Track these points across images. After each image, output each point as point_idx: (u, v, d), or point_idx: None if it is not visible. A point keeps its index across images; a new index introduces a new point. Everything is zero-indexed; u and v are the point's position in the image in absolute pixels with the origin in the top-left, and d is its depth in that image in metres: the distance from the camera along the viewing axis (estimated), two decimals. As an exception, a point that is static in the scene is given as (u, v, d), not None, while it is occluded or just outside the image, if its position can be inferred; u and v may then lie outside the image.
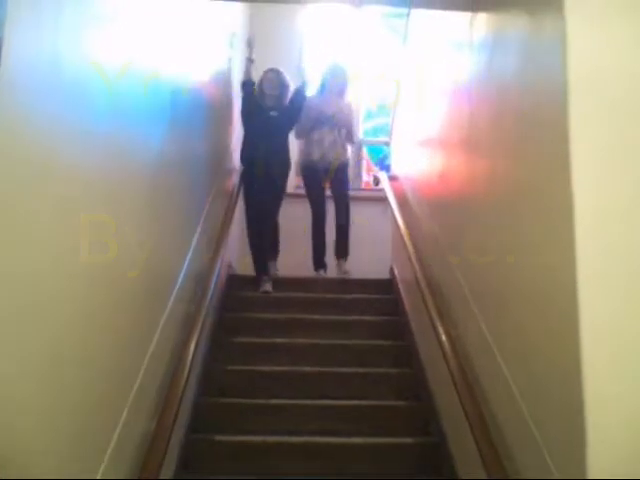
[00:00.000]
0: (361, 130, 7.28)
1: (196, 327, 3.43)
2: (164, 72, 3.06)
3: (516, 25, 2.62)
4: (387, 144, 6.65)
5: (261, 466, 3.40)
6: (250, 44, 5.74)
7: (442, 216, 3.96)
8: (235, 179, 5.63)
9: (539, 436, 2.15)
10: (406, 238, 4.58)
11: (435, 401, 3.79)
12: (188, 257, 3.62)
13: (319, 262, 5.68)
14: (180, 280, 3.36)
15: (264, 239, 5.41)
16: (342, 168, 5.84)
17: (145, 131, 2.74)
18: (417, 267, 4.15)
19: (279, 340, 4.44)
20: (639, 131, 1.90)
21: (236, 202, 5.35)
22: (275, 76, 5.62)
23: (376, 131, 7.48)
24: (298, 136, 5.88)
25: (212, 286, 3.98)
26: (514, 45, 2.63)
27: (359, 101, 7.22)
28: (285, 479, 3.32)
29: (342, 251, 5.71)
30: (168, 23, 3.15)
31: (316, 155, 5.73)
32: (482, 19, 3.17)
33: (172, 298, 3.16)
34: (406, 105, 5.87)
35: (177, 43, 3.35)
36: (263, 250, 5.39)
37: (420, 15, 5.46)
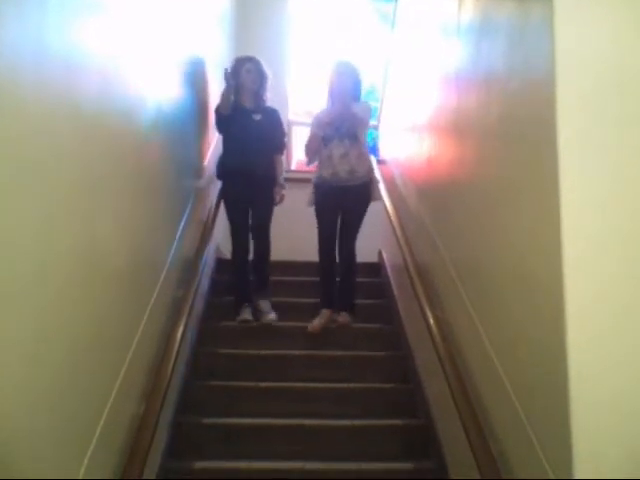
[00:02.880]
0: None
1: (184, 311, 3.44)
2: (153, 53, 3.05)
3: (504, 10, 2.62)
4: (375, 128, 6.64)
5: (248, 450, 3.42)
6: (227, 78, 4.48)
7: (430, 200, 3.97)
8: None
9: (524, 417, 2.17)
10: (394, 222, 4.59)
11: (422, 384, 3.82)
12: (176, 241, 3.62)
13: (327, 300, 4.66)
14: (168, 263, 3.36)
15: (247, 263, 4.70)
16: (361, 189, 4.66)
17: (131, 115, 2.73)
18: (405, 251, 4.16)
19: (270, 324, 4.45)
20: (626, 116, 1.90)
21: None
22: (255, 66, 4.73)
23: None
24: (308, 160, 4.84)
25: (200, 270, 3.99)
26: (502, 30, 2.63)
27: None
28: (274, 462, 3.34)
29: (346, 300, 4.68)
30: (153, 13, 3.14)
31: (326, 173, 4.64)
32: (470, 4, 3.16)
33: (160, 282, 3.16)
34: (394, 90, 5.88)
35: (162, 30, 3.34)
36: (246, 274, 4.69)
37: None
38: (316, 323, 4.46)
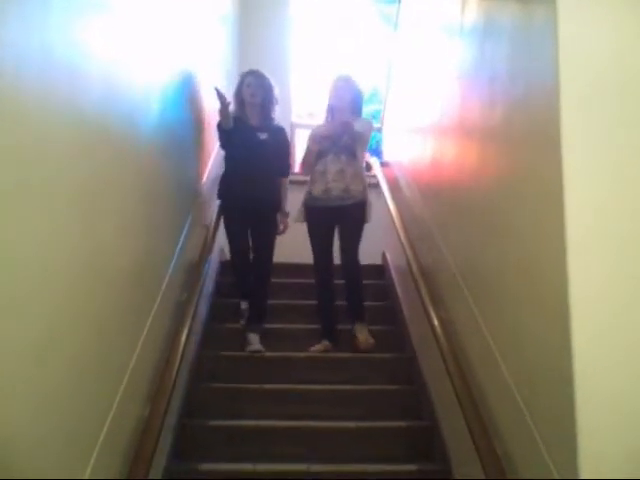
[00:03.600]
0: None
1: (189, 313, 3.44)
2: (155, 58, 3.05)
3: (507, 11, 2.62)
4: (379, 131, 6.65)
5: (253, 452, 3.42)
6: (220, 95, 4.18)
7: (434, 201, 3.97)
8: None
9: (529, 417, 2.17)
10: (398, 224, 4.59)
11: (427, 385, 3.82)
12: (179, 244, 3.62)
13: (327, 331, 4.40)
14: (172, 266, 3.36)
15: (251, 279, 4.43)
16: (355, 209, 4.39)
17: (134, 120, 2.74)
18: (409, 252, 4.16)
19: (272, 326, 4.44)
20: (630, 117, 1.91)
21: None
22: (255, 80, 4.42)
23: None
24: (303, 174, 4.67)
25: (204, 273, 3.99)
26: (505, 31, 2.64)
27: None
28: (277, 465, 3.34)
29: (357, 311, 4.40)
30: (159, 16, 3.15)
31: (317, 190, 4.41)
32: (473, 5, 3.17)
33: (164, 285, 3.17)
34: (397, 92, 5.88)
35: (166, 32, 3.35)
36: (256, 296, 4.43)
37: (411, 1, 5.46)
38: (315, 349, 4.27)
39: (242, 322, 4.41)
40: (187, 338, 3.25)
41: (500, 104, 2.66)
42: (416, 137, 4.73)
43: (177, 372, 2.99)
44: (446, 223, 3.58)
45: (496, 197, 2.65)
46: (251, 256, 4.46)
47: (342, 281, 4.46)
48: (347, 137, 4.36)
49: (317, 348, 4.26)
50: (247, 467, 3.27)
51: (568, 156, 1.88)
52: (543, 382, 2.07)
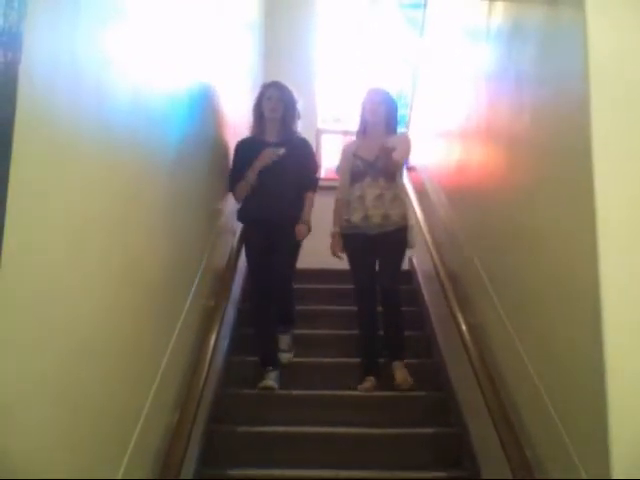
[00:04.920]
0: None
1: (217, 319, 3.46)
2: (181, 70, 3.07)
3: (535, 14, 2.60)
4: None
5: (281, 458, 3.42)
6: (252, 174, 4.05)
7: (461, 206, 3.96)
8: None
9: (560, 424, 2.15)
10: (425, 229, 4.57)
11: (455, 391, 3.79)
12: (207, 251, 3.63)
13: (368, 366, 4.05)
14: (200, 273, 3.37)
15: (271, 314, 4.06)
16: (396, 236, 4.07)
17: (165, 125, 2.75)
18: (436, 258, 4.14)
19: (300, 331, 4.43)
20: (660, 119, 1.89)
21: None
22: (276, 92, 4.13)
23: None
24: (337, 195, 4.24)
25: (232, 279, 4.00)
26: (533, 34, 2.62)
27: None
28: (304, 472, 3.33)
29: (396, 347, 4.07)
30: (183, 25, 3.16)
31: (356, 217, 4.08)
32: (500, 8, 3.15)
33: (192, 291, 3.18)
34: (424, 96, 5.87)
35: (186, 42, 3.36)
36: (269, 329, 4.06)
37: (437, 5, 5.45)
38: (363, 387, 3.91)
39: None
40: (215, 343, 3.26)
41: (528, 108, 2.64)
42: (442, 141, 4.72)
43: (206, 378, 3.00)
44: (473, 227, 3.57)
45: (524, 202, 2.63)
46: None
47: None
48: (384, 158, 4.02)
49: (365, 387, 3.90)
50: (276, 472, 3.27)
51: (599, 160, 1.86)
52: (574, 387, 2.05)
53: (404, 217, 4.09)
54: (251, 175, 4.04)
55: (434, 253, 4.22)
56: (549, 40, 2.39)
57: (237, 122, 4.53)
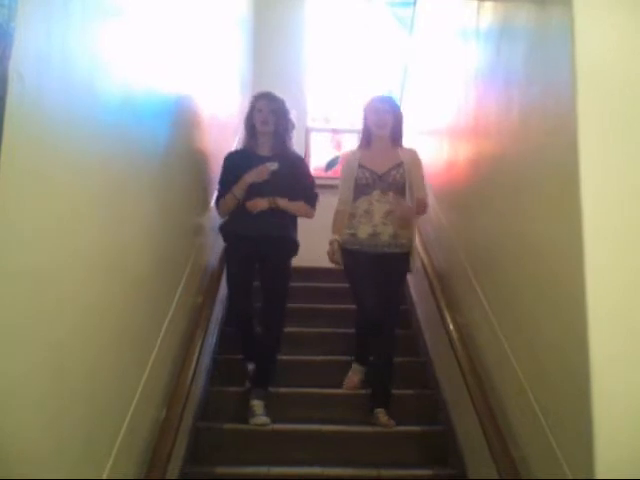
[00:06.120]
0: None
1: (204, 317, 3.46)
2: (172, 70, 3.06)
3: (523, 13, 2.62)
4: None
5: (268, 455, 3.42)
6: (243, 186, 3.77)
7: (449, 204, 3.97)
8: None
9: (545, 420, 2.17)
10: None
11: (442, 389, 3.80)
12: (196, 248, 3.63)
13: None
14: (188, 270, 3.37)
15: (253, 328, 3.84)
16: (401, 260, 3.78)
17: (154, 125, 2.75)
18: (424, 255, 4.15)
19: (288, 330, 4.42)
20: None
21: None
22: (267, 104, 3.85)
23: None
24: (341, 207, 3.85)
25: (220, 275, 4.00)
26: (521, 34, 2.63)
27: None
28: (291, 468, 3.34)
29: (383, 393, 3.73)
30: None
31: (363, 234, 3.74)
32: (489, 8, 3.16)
33: (180, 288, 3.18)
34: (413, 94, 5.88)
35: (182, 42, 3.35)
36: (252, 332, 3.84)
37: (426, 3, 5.46)
38: (350, 382, 3.84)
39: (247, 384, 3.84)
40: (203, 340, 3.26)
41: (516, 106, 2.65)
42: (431, 140, 4.72)
43: (193, 375, 3.00)
44: (461, 226, 3.58)
45: (512, 199, 2.64)
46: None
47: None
48: (399, 173, 3.76)
49: (352, 381, 3.86)
50: (262, 470, 3.27)
51: (585, 158, 1.88)
52: (559, 386, 2.06)
53: (412, 240, 3.81)
54: (239, 189, 3.77)
55: (422, 252, 4.23)
56: (537, 39, 2.41)
57: (225, 122, 4.52)
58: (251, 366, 3.84)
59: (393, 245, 3.72)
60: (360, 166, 3.79)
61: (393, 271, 3.77)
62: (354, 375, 3.92)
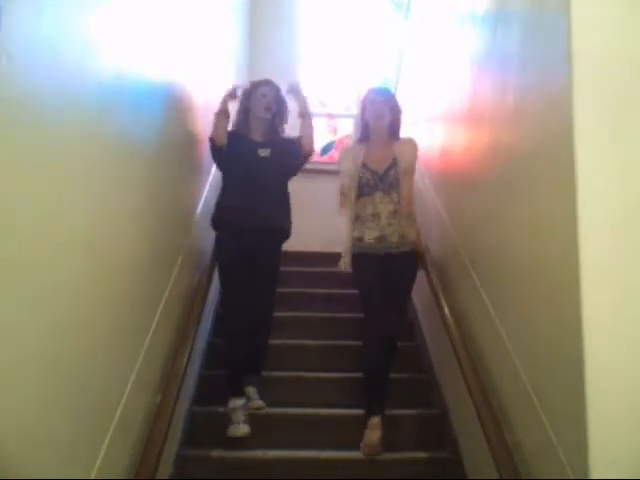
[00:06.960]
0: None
1: (199, 301, 3.46)
2: (164, 55, 3.05)
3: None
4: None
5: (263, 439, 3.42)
6: (232, 95, 3.94)
7: (445, 189, 3.97)
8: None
9: (539, 405, 2.17)
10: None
11: (437, 374, 3.81)
12: (192, 228, 3.62)
13: (371, 405, 3.42)
14: (183, 254, 3.36)
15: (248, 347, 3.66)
16: (410, 259, 3.68)
17: (145, 104, 2.74)
18: (420, 241, 4.14)
19: (283, 314, 4.41)
20: (642, 102, 1.89)
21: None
22: (271, 91, 3.92)
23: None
24: (340, 207, 3.79)
25: (215, 262, 3.98)
26: (517, 18, 2.62)
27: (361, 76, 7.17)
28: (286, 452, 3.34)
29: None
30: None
31: (371, 237, 3.64)
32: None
33: (175, 273, 3.17)
34: (409, 80, 5.85)
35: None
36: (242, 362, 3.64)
37: (423, -13, 5.43)
38: (372, 441, 3.28)
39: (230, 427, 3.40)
40: (197, 325, 3.26)
41: (512, 90, 2.64)
42: (427, 124, 4.71)
43: (188, 360, 3.00)
44: (457, 211, 3.57)
45: (507, 185, 2.63)
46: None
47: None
48: (395, 170, 3.66)
49: (371, 440, 3.29)
50: (258, 454, 3.28)
51: (581, 144, 1.87)
52: (554, 371, 2.06)
53: (418, 236, 3.71)
54: (223, 105, 3.86)
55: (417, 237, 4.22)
56: (533, 23, 2.40)
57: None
58: (240, 401, 3.47)
59: (401, 245, 3.62)
60: (363, 165, 3.70)
61: (402, 271, 3.64)
62: (372, 433, 3.32)
